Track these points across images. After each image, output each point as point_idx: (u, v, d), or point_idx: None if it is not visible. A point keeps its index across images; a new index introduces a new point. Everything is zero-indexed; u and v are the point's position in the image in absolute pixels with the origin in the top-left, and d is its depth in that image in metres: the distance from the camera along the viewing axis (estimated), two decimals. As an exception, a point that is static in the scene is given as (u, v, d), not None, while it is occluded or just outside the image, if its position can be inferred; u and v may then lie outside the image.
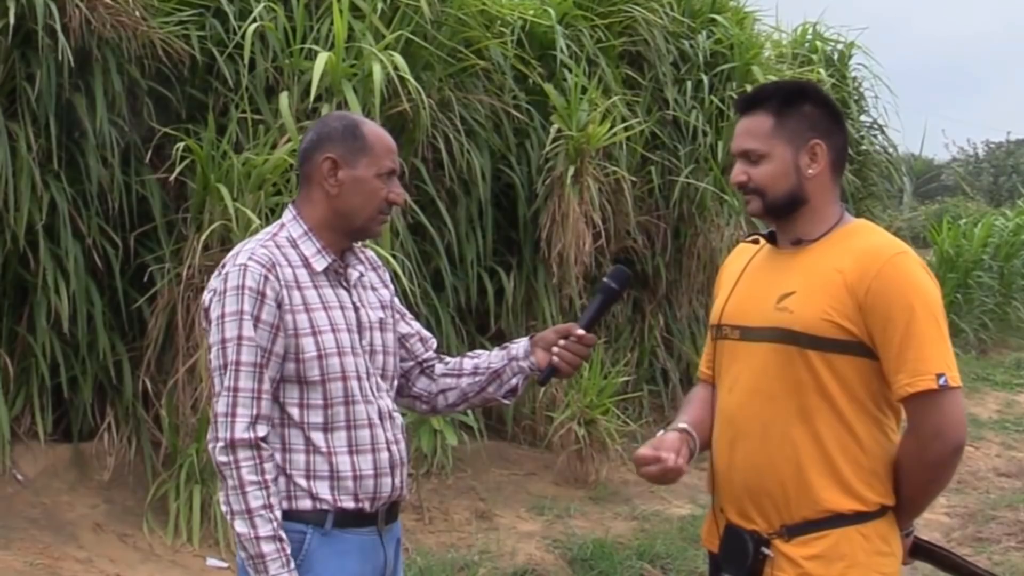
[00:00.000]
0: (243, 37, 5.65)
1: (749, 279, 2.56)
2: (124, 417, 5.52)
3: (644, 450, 2.45)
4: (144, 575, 4.91)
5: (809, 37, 11.00)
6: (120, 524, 5.22)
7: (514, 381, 2.71)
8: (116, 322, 5.63)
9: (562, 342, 2.63)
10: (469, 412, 6.17)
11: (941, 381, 2.28)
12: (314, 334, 2.44)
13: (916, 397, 2.29)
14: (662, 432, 2.53)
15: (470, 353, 2.81)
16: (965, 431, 2.34)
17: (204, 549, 5.19)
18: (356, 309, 2.54)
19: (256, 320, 2.40)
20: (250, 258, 2.44)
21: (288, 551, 2.38)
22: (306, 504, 2.45)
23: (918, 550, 2.61)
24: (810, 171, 2.44)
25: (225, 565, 5.04)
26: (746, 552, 2.43)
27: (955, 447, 2.32)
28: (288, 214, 2.58)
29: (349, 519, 2.47)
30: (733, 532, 2.48)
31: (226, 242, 5.16)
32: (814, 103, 2.48)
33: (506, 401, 2.76)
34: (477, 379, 2.72)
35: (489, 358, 2.74)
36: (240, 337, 2.39)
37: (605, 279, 2.71)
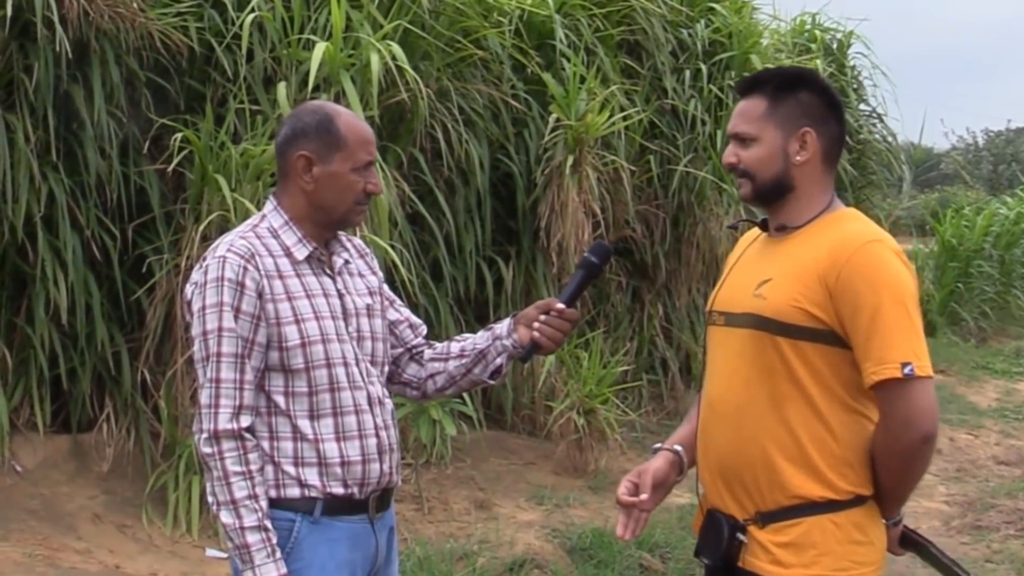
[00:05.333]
0: (241, 28, 5.65)
1: (740, 267, 2.58)
2: (123, 408, 5.54)
3: (626, 496, 2.58)
4: (143, 566, 4.92)
5: (808, 27, 11.00)
6: (119, 515, 5.23)
7: (498, 361, 2.69)
8: (115, 313, 5.64)
9: (543, 317, 2.62)
10: (468, 402, 6.16)
11: (907, 370, 2.26)
12: (297, 322, 2.44)
13: (883, 385, 2.28)
14: (655, 450, 2.65)
15: (457, 336, 2.81)
16: (935, 421, 2.31)
17: (203, 540, 5.20)
18: (341, 296, 2.54)
19: (236, 311, 2.41)
20: (229, 250, 2.45)
21: (274, 541, 2.39)
22: (295, 492, 2.45)
23: (907, 540, 2.60)
24: (798, 158, 2.44)
25: (224, 556, 5.03)
26: (721, 537, 2.44)
27: (924, 436, 2.30)
28: (269, 204, 2.59)
29: (339, 506, 2.47)
30: (712, 517, 2.50)
31: (224, 232, 5.16)
32: (811, 91, 2.47)
33: (492, 382, 2.74)
34: (463, 361, 2.72)
35: (475, 340, 2.74)
36: (221, 328, 2.40)
37: (586, 254, 2.71)
